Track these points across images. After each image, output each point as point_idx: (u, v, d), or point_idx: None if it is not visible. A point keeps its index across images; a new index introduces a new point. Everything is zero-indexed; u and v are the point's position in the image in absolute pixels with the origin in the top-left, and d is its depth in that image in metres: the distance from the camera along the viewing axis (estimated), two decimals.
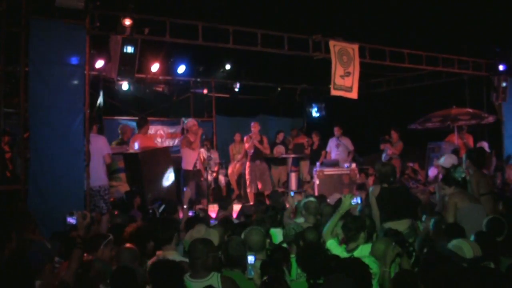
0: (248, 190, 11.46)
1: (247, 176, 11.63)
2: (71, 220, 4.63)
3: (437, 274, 3.56)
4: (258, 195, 11.37)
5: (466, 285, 3.51)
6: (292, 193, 7.09)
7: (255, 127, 11.88)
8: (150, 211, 7.52)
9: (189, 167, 9.93)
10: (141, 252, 4.78)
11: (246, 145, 11.77)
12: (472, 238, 4.70)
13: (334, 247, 5.09)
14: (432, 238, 5.34)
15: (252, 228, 5.13)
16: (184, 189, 9.84)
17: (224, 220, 6.45)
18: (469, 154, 7.08)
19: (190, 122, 10.46)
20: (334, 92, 10.56)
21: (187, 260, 4.46)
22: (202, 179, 10.30)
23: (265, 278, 3.94)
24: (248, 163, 11.72)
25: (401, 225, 5.78)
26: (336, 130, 12.83)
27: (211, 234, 5.04)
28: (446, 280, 3.50)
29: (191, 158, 9.95)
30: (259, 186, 11.48)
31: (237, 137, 13.02)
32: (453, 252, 4.31)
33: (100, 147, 7.74)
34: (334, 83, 10.44)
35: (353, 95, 10.79)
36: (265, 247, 4.91)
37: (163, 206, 7.35)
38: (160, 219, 6.49)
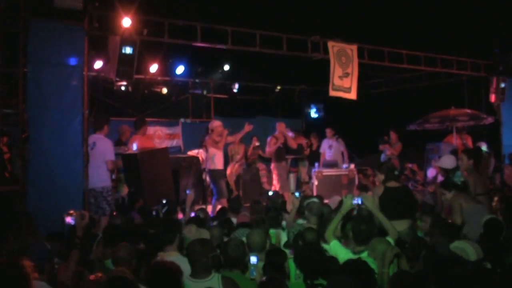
0: (278, 189, 11.43)
1: (274, 177, 11.66)
2: (70, 220, 4.63)
3: (451, 275, 3.55)
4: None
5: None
6: (297, 194, 6.96)
7: (280, 126, 11.84)
8: (154, 212, 7.52)
9: (219, 166, 10.01)
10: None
11: (269, 149, 11.70)
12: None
13: (338, 247, 5.06)
14: (430, 238, 5.36)
15: (254, 229, 5.13)
16: (188, 191, 9.88)
17: (226, 221, 6.44)
18: (471, 154, 7.09)
19: (215, 122, 10.46)
20: (332, 93, 10.56)
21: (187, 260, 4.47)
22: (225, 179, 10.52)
23: (263, 278, 3.94)
24: (273, 164, 11.74)
25: (400, 225, 5.79)
26: (328, 132, 12.85)
27: (202, 234, 5.05)
28: (460, 282, 3.50)
29: (220, 157, 10.04)
30: (278, 187, 11.45)
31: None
32: (457, 254, 4.31)
33: (103, 150, 7.73)
34: (332, 83, 10.44)
35: (352, 95, 10.79)
36: (266, 248, 4.91)
37: (166, 207, 7.36)
38: (163, 220, 6.49)
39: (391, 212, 5.73)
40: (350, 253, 4.90)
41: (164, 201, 7.47)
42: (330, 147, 12.74)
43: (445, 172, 8.18)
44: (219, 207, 9.23)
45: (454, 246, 4.41)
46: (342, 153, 12.80)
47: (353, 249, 5.00)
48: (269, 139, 11.85)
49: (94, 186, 7.60)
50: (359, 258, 4.39)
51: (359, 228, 4.97)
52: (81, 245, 4.40)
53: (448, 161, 7.99)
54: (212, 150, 9.99)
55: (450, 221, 6.21)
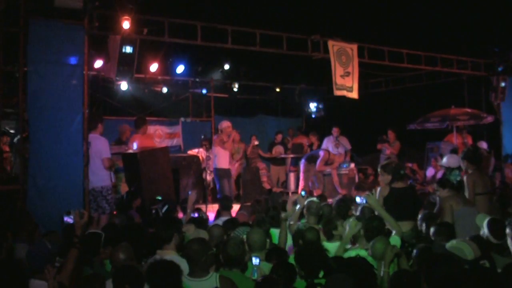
0: (300, 188, 11.47)
1: (301, 175, 11.68)
2: (68, 219, 4.63)
3: (442, 274, 3.54)
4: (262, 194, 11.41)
5: (470, 286, 3.51)
6: (303, 193, 6.89)
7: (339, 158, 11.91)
8: (154, 211, 7.53)
9: (223, 165, 10.10)
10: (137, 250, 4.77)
11: (319, 164, 11.65)
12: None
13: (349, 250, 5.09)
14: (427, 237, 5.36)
15: (254, 228, 5.13)
16: (189, 192, 9.94)
17: (230, 221, 6.43)
18: (466, 154, 7.07)
19: (225, 123, 10.64)
20: (337, 92, 10.55)
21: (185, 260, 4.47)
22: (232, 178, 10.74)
23: (259, 278, 3.94)
24: (304, 161, 11.81)
25: (404, 226, 5.79)
26: (336, 131, 12.81)
27: (200, 233, 5.05)
28: (451, 281, 3.49)
29: (224, 157, 10.12)
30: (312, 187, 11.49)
31: (236, 137, 12.99)
32: (453, 253, 4.30)
33: (99, 149, 7.72)
34: (335, 83, 10.43)
35: (354, 94, 10.80)
36: (266, 247, 4.91)
37: (166, 206, 7.36)
38: (162, 218, 6.49)
39: (396, 213, 5.73)
40: (363, 251, 4.90)
41: (159, 198, 7.45)
42: (337, 146, 12.69)
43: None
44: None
45: (450, 245, 4.40)
46: (346, 152, 12.80)
47: (363, 246, 5.00)
48: (322, 153, 11.76)
49: (94, 186, 7.60)
50: (358, 256, 4.40)
51: (371, 225, 5.00)
52: (80, 244, 4.39)
53: (452, 161, 7.94)
54: (217, 149, 10.12)
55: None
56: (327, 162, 11.63)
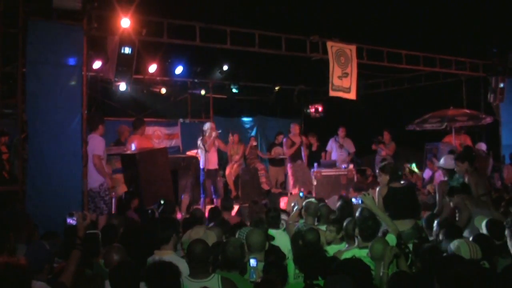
0: (292, 192, 11.47)
1: (290, 177, 11.67)
2: (71, 221, 4.62)
3: (454, 274, 3.54)
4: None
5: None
6: (301, 194, 6.90)
7: (295, 128, 12.20)
8: (150, 211, 7.52)
9: (207, 166, 10.26)
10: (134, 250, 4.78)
11: (287, 150, 11.90)
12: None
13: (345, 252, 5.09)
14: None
15: (253, 229, 5.13)
16: (182, 196, 10.02)
17: (221, 222, 6.43)
18: (467, 156, 7.06)
19: (206, 124, 10.77)
20: (332, 93, 10.56)
21: (184, 260, 4.47)
22: (218, 178, 10.76)
23: (258, 279, 3.93)
24: (289, 164, 11.89)
25: (404, 225, 5.81)
26: (341, 131, 12.82)
27: (209, 236, 5.05)
28: (464, 281, 3.49)
29: (204, 158, 10.22)
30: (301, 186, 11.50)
31: (235, 137, 13.00)
32: (453, 252, 4.31)
33: (92, 149, 7.72)
34: (332, 84, 10.45)
35: (352, 95, 10.80)
36: (265, 248, 4.91)
37: (162, 207, 7.36)
38: (160, 219, 6.49)
39: (395, 212, 5.75)
40: (356, 249, 4.91)
41: (162, 201, 7.45)
42: (341, 147, 12.68)
43: (447, 172, 8.08)
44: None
45: (453, 244, 4.41)
46: (349, 154, 12.79)
47: (358, 245, 5.01)
48: (285, 140, 12.01)
49: (91, 187, 7.60)
50: (354, 256, 4.40)
51: (366, 224, 5.01)
52: (83, 245, 4.39)
53: (449, 162, 7.93)
54: (200, 151, 10.28)
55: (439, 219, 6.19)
56: (293, 144, 11.82)
